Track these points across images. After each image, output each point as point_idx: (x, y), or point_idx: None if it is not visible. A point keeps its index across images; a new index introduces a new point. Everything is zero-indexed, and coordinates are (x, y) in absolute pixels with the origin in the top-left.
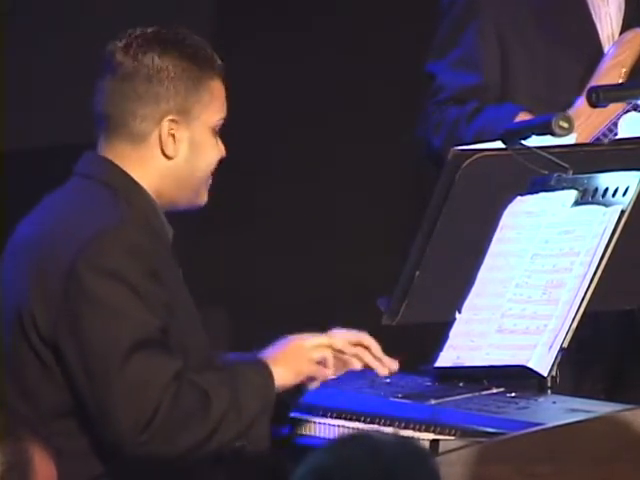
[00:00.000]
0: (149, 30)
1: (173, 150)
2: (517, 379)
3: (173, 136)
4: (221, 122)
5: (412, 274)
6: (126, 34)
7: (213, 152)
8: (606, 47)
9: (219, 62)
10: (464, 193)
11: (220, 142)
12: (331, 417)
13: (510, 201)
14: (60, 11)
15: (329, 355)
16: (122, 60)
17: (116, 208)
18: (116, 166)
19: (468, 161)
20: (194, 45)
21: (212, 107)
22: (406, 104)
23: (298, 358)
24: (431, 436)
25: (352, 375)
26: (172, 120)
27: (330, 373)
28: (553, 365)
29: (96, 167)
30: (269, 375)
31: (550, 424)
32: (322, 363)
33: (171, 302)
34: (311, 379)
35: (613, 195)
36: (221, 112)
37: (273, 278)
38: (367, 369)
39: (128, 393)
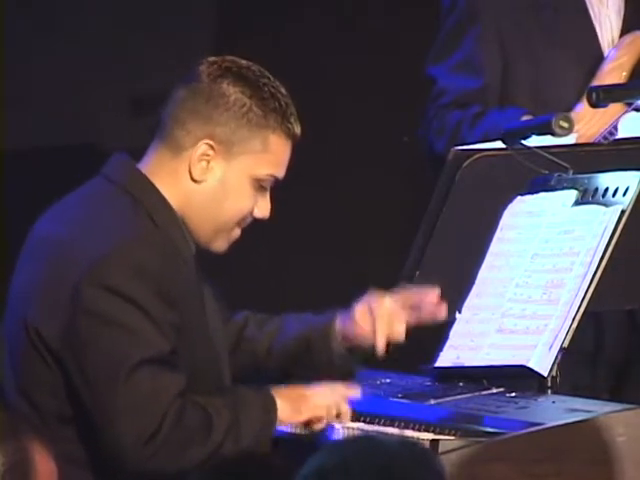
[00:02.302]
0: (242, 61)
1: (200, 174)
2: (517, 379)
3: (208, 162)
4: (269, 179)
5: (412, 274)
6: (223, 57)
7: (244, 201)
8: (606, 50)
9: (295, 127)
10: (464, 193)
11: (264, 200)
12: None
13: (510, 201)
14: (60, 11)
15: (330, 412)
16: (200, 75)
17: (132, 223)
18: (143, 176)
19: (468, 161)
20: (273, 94)
21: (261, 158)
22: (407, 104)
23: (303, 400)
24: (431, 436)
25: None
26: (210, 145)
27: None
28: (553, 365)
29: (122, 174)
30: (273, 405)
31: (550, 424)
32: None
33: (181, 323)
34: (309, 424)
35: (613, 195)
36: (271, 169)
37: (273, 278)
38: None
39: (132, 407)
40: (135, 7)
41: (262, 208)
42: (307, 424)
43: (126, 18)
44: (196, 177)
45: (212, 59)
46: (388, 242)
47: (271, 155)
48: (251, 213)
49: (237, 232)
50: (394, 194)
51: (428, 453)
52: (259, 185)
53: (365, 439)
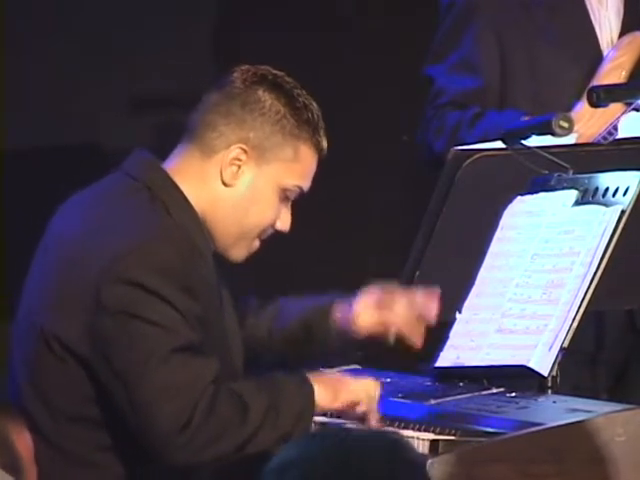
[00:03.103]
0: (275, 71)
1: (231, 178)
2: (517, 379)
3: (239, 167)
4: (295, 190)
5: (412, 274)
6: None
7: (270, 209)
8: (605, 50)
9: (324, 141)
10: (464, 193)
11: (286, 213)
12: (332, 417)
13: (510, 201)
14: (60, 11)
15: (367, 399)
16: (234, 81)
17: (150, 219)
18: (164, 173)
19: (468, 161)
20: (306, 105)
21: (290, 167)
22: (407, 103)
23: (341, 385)
24: (431, 436)
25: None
26: (243, 149)
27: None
28: (553, 365)
29: (142, 170)
30: (310, 390)
31: (550, 424)
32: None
33: (203, 317)
34: (346, 410)
35: (613, 195)
36: (298, 180)
37: (273, 278)
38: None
39: (165, 396)
40: (135, 7)
41: (284, 220)
42: (344, 411)
43: (126, 18)
44: (227, 181)
45: (246, 67)
46: (388, 242)
47: (300, 165)
48: (273, 224)
49: (257, 243)
50: (394, 194)
51: (399, 443)
52: (285, 195)
53: (332, 431)
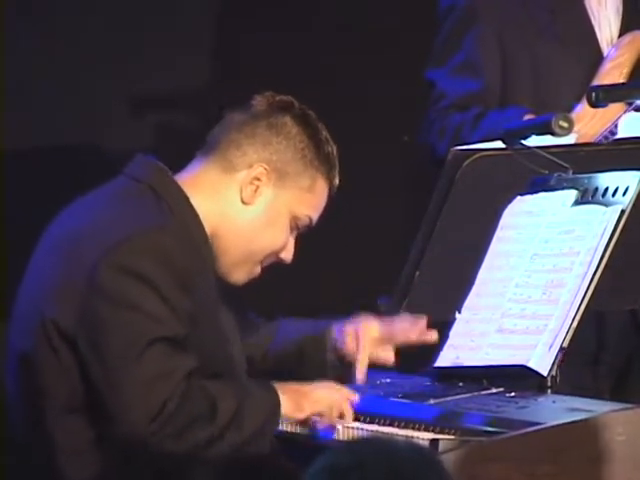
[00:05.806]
0: (303, 107)
1: (249, 197)
2: (517, 379)
3: (257, 187)
4: (305, 221)
5: (412, 274)
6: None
7: (281, 234)
8: (605, 50)
9: (337, 179)
10: (464, 193)
11: (291, 244)
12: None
13: (510, 201)
14: (60, 12)
15: (330, 410)
16: (260, 104)
17: (154, 214)
18: (168, 175)
19: (468, 161)
20: (328, 140)
21: (305, 197)
22: (407, 104)
23: (305, 396)
24: (431, 436)
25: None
26: (265, 169)
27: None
28: (553, 365)
29: (146, 173)
30: (276, 399)
31: (550, 424)
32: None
33: (197, 316)
34: (310, 419)
35: (613, 195)
36: (310, 210)
37: (273, 277)
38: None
39: (141, 385)
40: (135, 7)
41: (289, 250)
42: (307, 421)
43: (126, 18)
44: (245, 199)
45: (272, 93)
46: (388, 242)
47: (314, 197)
48: (280, 251)
49: (258, 269)
50: (394, 194)
51: (436, 458)
52: (295, 224)
53: (378, 441)
